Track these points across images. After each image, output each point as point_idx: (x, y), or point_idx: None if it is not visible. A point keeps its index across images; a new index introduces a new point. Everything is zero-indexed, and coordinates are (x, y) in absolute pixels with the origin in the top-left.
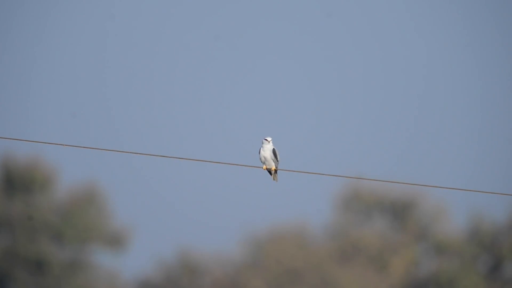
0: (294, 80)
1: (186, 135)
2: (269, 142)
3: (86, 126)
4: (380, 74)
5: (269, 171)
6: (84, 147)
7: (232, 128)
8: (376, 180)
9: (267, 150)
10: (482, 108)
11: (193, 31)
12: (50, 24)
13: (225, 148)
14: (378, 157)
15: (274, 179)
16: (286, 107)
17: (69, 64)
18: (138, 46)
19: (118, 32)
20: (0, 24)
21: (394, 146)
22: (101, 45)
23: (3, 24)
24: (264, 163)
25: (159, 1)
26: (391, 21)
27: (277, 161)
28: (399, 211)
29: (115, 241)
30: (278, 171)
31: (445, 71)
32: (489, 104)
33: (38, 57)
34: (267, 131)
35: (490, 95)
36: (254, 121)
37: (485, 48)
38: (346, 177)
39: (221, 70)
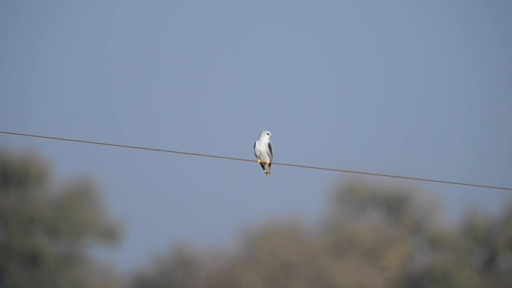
0: (292, 78)
1: (182, 130)
2: (270, 136)
3: (80, 120)
4: (377, 69)
5: (263, 165)
6: (78, 140)
7: (227, 123)
8: (370, 174)
9: (263, 144)
10: (477, 102)
11: (194, 33)
12: (50, 21)
13: (220, 142)
14: (372, 151)
15: (266, 175)
16: (282, 103)
17: (67, 60)
18: (140, 47)
19: (120, 32)
20: (1, 22)
21: (388, 141)
22: (103, 45)
23: (4, 23)
24: (258, 157)
25: (162, 3)
26: (390, 19)
27: (272, 155)
28: (394, 205)
29: (110, 235)
30: (271, 165)
31: (440, 70)
32: (483, 98)
33: (35, 51)
34: (263, 126)
35: (484, 90)
36: (249, 116)
37: (481, 46)
38: (340, 170)
39: (221, 69)
